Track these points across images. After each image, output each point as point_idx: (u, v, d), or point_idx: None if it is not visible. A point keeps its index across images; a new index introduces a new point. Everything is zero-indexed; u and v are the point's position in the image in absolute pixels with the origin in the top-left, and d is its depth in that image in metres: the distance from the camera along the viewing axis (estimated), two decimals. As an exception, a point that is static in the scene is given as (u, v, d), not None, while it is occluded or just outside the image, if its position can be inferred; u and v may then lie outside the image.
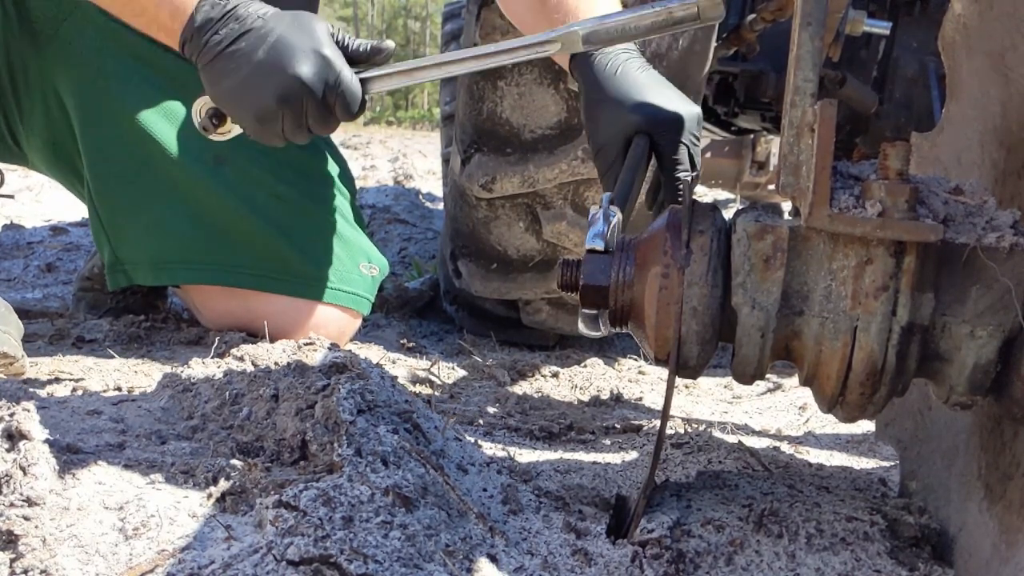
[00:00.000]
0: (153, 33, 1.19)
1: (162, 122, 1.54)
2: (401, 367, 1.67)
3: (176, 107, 1.55)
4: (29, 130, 1.63)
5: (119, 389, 1.29)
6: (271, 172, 1.58)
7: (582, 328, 0.90)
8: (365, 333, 1.91)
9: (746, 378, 0.84)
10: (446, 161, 3.21)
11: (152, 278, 1.60)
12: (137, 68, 1.54)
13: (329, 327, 1.59)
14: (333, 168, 1.71)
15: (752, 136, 3.04)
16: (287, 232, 1.57)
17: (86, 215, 1.69)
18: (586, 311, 0.89)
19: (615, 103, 1.11)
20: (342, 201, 1.67)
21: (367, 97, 1.16)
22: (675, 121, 1.08)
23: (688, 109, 1.10)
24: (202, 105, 1.18)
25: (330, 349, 1.37)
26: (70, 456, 0.91)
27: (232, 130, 1.19)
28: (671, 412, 1.19)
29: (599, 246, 0.87)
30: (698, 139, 1.10)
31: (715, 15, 1.00)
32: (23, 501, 0.79)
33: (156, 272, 1.58)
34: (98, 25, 1.52)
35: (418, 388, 1.57)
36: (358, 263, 1.65)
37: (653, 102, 1.09)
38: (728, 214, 0.87)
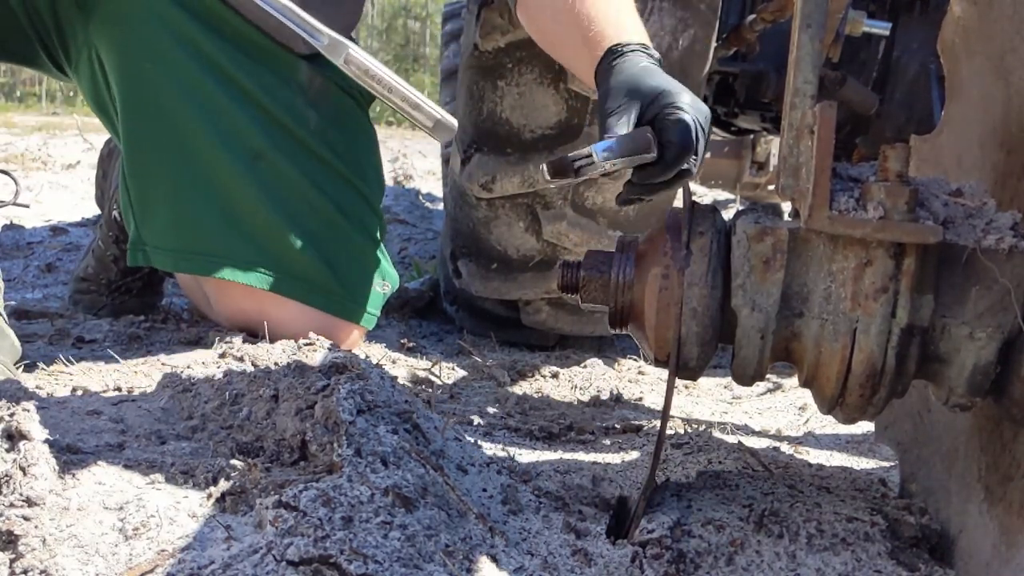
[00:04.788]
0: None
1: (204, 111, 1.51)
2: (401, 367, 1.67)
3: (220, 97, 1.52)
4: (76, 72, 1.61)
5: (119, 389, 1.28)
6: (307, 175, 1.56)
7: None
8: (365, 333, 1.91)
9: (746, 379, 0.85)
10: (446, 161, 3.21)
11: (172, 265, 1.57)
12: (183, 53, 1.51)
13: (337, 339, 1.59)
14: (369, 184, 1.69)
15: (752, 136, 3.04)
16: (314, 241, 1.56)
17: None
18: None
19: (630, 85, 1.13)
20: (371, 217, 1.66)
21: None
22: (682, 93, 1.08)
23: (696, 103, 1.09)
24: None
25: (330, 349, 1.37)
26: (70, 456, 0.91)
27: None
28: (671, 412, 1.20)
29: (612, 145, 0.95)
30: (704, 130, 1.09)
31: (443, 137, 1.24)
32: (23, 501, 0.79)
33: (177, 260, 1.56)
34: (146, 6, 1.50)
35: (418, 388, 1.57)
36: (375, 281, 1.65)
37: (666, 88, 1.10)
38: (728, 215, 0.87)
